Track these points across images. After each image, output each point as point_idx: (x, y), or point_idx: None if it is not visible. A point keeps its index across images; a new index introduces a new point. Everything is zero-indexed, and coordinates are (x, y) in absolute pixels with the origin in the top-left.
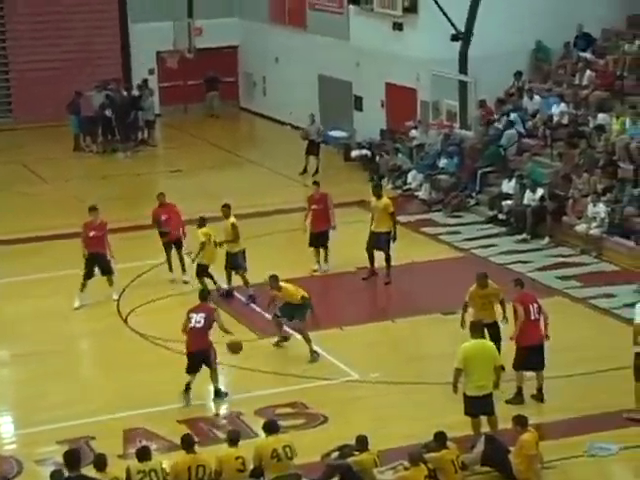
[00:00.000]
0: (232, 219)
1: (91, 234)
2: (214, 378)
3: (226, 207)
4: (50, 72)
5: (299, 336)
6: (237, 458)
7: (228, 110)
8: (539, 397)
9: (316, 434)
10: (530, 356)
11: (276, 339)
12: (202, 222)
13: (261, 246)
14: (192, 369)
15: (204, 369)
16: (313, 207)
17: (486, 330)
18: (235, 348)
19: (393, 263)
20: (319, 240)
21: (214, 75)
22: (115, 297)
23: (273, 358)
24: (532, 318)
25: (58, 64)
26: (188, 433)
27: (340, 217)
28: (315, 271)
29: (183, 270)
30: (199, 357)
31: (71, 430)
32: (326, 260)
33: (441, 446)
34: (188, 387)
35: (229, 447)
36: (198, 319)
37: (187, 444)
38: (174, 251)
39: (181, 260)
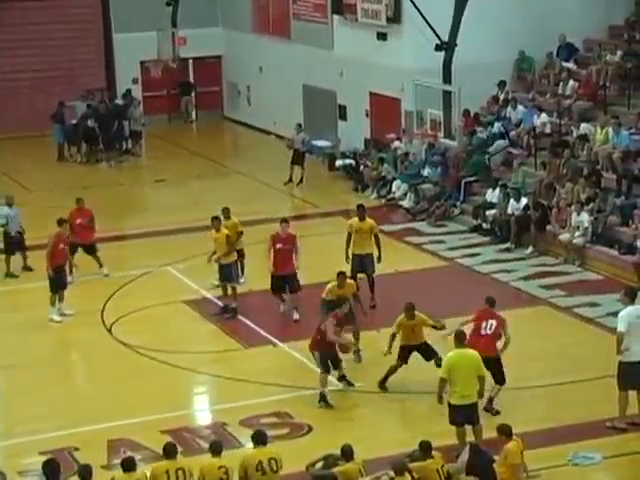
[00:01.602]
0: (225, 230)
1: (61, 246)
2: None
3: (217, 219)
4: (34, 82)
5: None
6: (220, 468)
7: (212, 119)
8: (489, 409)
9: (301, 444)
10: None
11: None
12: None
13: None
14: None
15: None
16: (278, 246)
17: (417, 353)
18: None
19: (377, 272)
20: (282, 284)
21: (187, 80)
22: (70, 312)
23: (257, 367)
24: (482, 333)
25: (42, 74)
26: (170, 442)
27: (324, 227)
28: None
29: (100, 266)
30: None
31: (54, 441)
32: (296, 309)
33: (426, 455)
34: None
35: (212, 457)
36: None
37: (168, 453)
38: (80, 254)
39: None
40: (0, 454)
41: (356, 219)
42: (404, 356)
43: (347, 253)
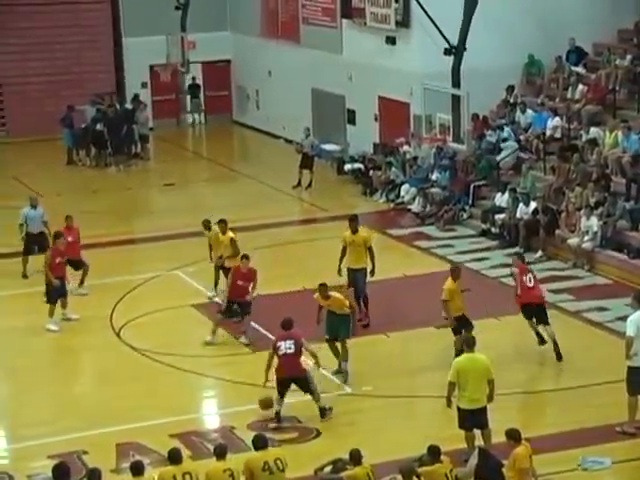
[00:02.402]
0: (230, 234)
1: (57, 260)
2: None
3: (223, 222)
4: (43, 86)
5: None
6: (225, 471)
7: (221, 123)
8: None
9: (309, 448)
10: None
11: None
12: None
13: (253, 259)
14: (281, 394)
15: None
16: (238, 282)
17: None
18: (266, 405)
19: (386, 276)
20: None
21: (197, 83)
22: (75, 316)
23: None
24: (529, 285)
25: (51, 78)
26: (174, 447)
27: (332, 230)
28: (208, 344)
29: (80, 283)
30: (289, 382)
31: (63, 444)
32: (245, 333)
33: (434, 460)
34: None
35: (216, 461)
36: (288, 345)
37: (173, 459)
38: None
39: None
40: (9, 457)
41: (349, 232)
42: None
43: (340, 266)
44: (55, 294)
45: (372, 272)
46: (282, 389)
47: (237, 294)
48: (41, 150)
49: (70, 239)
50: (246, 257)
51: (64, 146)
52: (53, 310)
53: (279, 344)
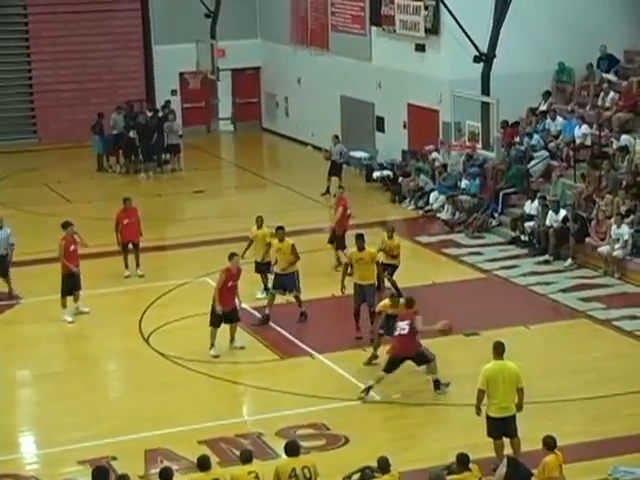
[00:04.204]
0: (289, 240)
1: (72, 248)
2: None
3: (281, 230)
4: (74, 93)
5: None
6: (250, 473)
7: (250, 131)
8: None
9: (337, 455)
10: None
11: (369, 357)
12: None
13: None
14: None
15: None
16: (229, 284)
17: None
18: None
19: (415, 284)
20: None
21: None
22: (86, 309)
23: (294, 378)
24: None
25: (82, 85)
26: (204, 455)
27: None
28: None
29: (137, 265)
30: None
31: (92, 450)
32: (232, 340)
33: (463, 468)
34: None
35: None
36: (403, 326)
37: (202, 466)
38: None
39: (137, 259)
40: (38, 463)
41: (355, 249)
42: None
43: (342, 283)
44: (70, 285)
45: (379, 287)
46: (392, 368)
47: (226, 300)
48: (72, 157)
49: (126, 221)
50: (235, 255)
51: (94, 153)
52: (65, 302)
53: (397, 324)
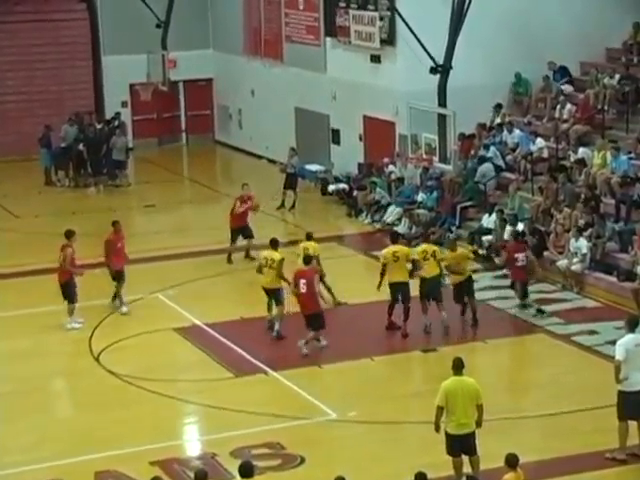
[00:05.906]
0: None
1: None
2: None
3: (310, 234)
4: (21, 104)
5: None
6: None
7: (203, 143)
8: None
9: (293, 475)
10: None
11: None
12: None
13: (234, 282)
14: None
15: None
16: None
17: None
18: None
19: (370, 299)
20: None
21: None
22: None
23: (249, 397)
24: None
25: (29, 96)
26: (156, 476)
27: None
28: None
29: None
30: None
31: (40, 473)
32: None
33: None
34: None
35: None
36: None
37: None
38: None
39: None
40: None
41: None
42: None
43: (380, 282)
44: (75, 293)
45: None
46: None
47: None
48: (19, 170)
49: (119, 245)
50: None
51: (42, 166)
52: (73, 309)
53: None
